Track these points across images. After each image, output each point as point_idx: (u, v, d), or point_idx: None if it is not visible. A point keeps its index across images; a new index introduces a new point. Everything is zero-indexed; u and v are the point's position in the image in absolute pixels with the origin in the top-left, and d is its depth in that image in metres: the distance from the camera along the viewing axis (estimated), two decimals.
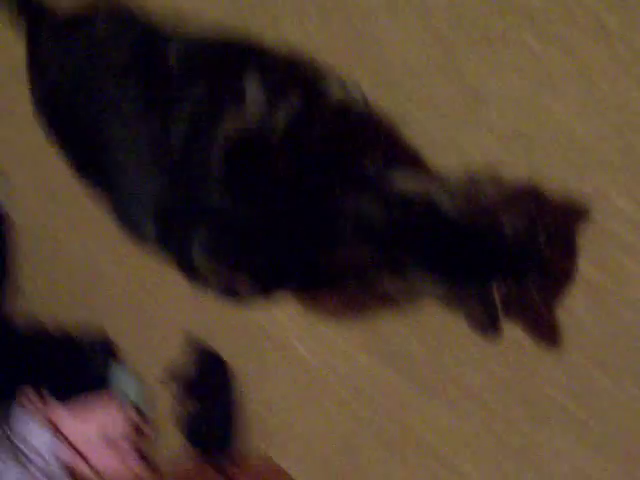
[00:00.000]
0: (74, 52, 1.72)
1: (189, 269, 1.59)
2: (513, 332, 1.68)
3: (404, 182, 1.48)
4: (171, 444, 2.38)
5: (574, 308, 1.61)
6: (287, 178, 1.48)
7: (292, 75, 1.69)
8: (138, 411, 2.46)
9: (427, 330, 1.82)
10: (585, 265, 1.59)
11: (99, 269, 2.55)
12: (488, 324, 1.42)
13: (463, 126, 1.73)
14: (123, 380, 2.50)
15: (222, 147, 1.48)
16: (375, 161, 1.53)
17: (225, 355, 2.24)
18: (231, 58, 1.65)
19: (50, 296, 2.76)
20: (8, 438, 2.37)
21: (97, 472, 2.40)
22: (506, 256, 1.41)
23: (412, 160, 1.73)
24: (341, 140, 1.57)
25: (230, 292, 1.59)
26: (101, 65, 1.66)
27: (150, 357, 2.45)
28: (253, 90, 1.53)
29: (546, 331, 1.61)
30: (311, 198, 1.48)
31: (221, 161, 1.48)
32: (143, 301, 2.43)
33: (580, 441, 1.64)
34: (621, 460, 1.59)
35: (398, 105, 1.82)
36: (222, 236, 1.51)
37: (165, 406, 2.39)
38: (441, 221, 1.41)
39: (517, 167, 1.65)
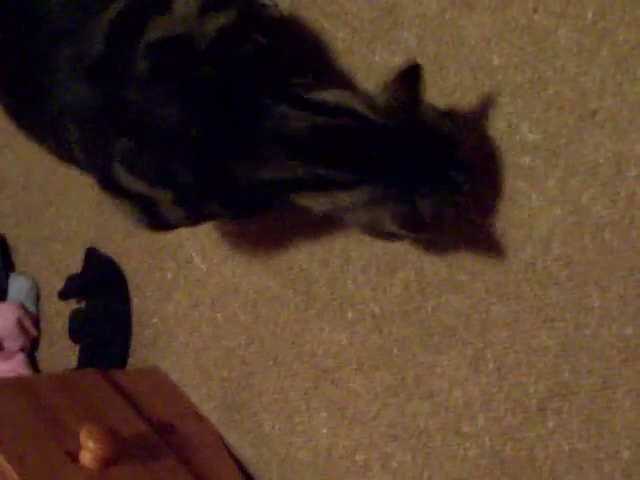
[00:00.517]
0: None
1: (111, 185, 1.56)
2: (413, 258, 1.70)
3: (326, 95, 1.49)
4: (62, 354, 2.37)
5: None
6: (212, 87, 1.46)
7: None
8: (32, 320, 2.43)
9: (329, 253, 1.83)
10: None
11: (1, 175, 2.51)
12: (413, 228, 1.47)
13: (379, 47, 1.73)
14: (20, 288, 2.47)
15: (146, 50, 1.45)
16: (302, 78, 1.54)
17: (123, 265, 2.22)
18: None
19: None
20: None
21: None
22: (426, 159, 1.44)
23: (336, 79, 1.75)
24: (271, 55, 1.56)
25: (152, 215, 1.57)
26: None
27: (48, 266, 2.42)
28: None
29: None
30: (235, 110, 1.46)
31: (144, 64, 1.45)
32: (44, 209, 2.40)
33: (474, 370, 1.67)
34: (515, 389, 1.62)
35: (316, 24, 1.82)
36: (143, 148, 1.49)
37: (59, 313, 2.37)
38: (362, 129, 1.44)
39: (427, 90, 1.65)
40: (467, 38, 1.63)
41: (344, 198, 1.46)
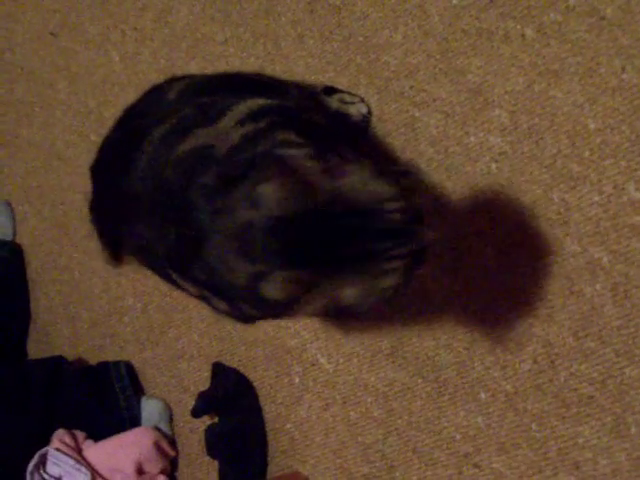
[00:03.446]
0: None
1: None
2: (538, 331, 1.71)
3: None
4: (202, 471, 2.40)
5: (594, 298, 1.65)
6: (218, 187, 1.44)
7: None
8: (169, 441, 2.48)
9: (453, 338, 1.86)
10: (608, 257, 1.62)
11: (119, 303, 2.58)
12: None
13: (473, 128, 1.78)
14: (152, 412, 2.52)
15: (174, 160, 1.50)
16: None
17: (250, 375, 2.26)
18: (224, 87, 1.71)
19: (70, 331, 2.78)
20: None
21: None
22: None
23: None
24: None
25: (244, 317, 1.58)
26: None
27: (176, 385, 2.47)
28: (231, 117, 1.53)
29: None
30: None
31: (170, 172, 1.49)
32: (165, 330, 2.46)
33: (617, 435, 1.66)
34: None
35: (402, 109, 1.89)
36: (177, 251, 1.51)
37: (193, 431, 2.41)
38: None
39: (527, 164, 1.68)
40: (559, 107, 1.66)
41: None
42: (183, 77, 1.82)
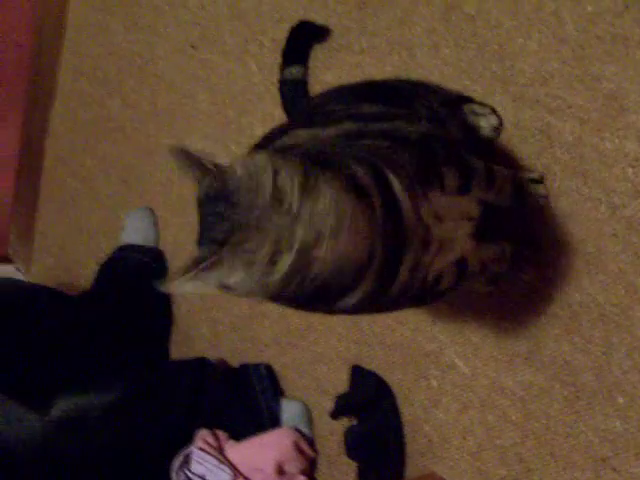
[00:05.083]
0: None
1: None
2: None
3: None
4: (341, 472, 2.45)
5: None
6: None
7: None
8: (308, 442, 2.54)
9: (590, 342, 1.88)
10: None
11: (259, 307, 2.65)
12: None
13: (609, 134, 1.79)
14: (292, 413, 2.59)
15: None
16: None
17: (388, 378, 2.30)
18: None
19: (211, 334, 2.87)
20: None
21: None
22: None
23: None
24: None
25: None
26: None
27: (316, 387, 2.53)
28: None
29: None
30: None
31: None
32: (304, 333, 2.52)
33: None
34: None
35: (537, 117, 1.91)
36: None
37: (333, 433, 2.47)
38: None
39: None
40: None
41: None
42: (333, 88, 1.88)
